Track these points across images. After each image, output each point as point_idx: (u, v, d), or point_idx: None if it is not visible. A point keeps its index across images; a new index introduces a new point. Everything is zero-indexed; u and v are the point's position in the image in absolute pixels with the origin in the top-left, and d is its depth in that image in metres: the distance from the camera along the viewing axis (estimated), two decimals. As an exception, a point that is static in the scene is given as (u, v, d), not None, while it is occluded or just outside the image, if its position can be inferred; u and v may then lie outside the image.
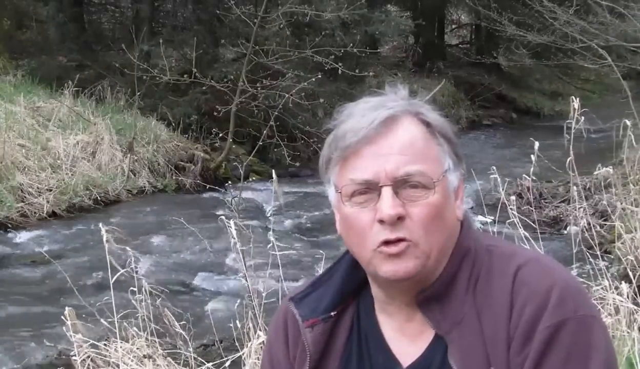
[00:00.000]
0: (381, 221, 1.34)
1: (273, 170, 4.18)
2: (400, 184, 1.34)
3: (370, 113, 1.37)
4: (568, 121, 4.13)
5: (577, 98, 4.16)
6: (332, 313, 1.46)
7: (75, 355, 4.05)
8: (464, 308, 1.37)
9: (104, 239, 3.68)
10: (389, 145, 1.35)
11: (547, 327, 1.30)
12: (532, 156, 3.87)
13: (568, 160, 4.09)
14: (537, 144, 3.91)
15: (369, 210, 1.36)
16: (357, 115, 1.38)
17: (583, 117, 4.06)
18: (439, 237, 1.37)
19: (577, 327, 1.31)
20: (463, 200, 1.45)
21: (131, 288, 4.16)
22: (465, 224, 1.44)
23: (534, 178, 4.25)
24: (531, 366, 1.30)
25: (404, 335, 1.43)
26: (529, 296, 1.33)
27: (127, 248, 4.13)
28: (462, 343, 1.35)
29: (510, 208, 3.76)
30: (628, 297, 3.85)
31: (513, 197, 3.83)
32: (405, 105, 1.40)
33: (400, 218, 1.34)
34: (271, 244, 4.02)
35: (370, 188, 1.35)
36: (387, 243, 1.34)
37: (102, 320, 4.32)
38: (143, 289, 4.13)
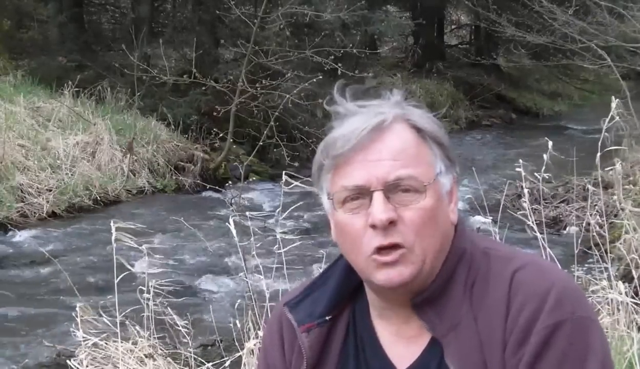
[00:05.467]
0: (373, 226, 1.34)
1: (284, 172, 4.18)
2: (392, 188, 1.35)
3: (361, 119, 1.38)
4: (603, 118, 4.11)
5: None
6: (328, 318, 1.46)
7: (75, 354, 4.06)
8: (460, 311, 1.37)
9: (113, 238, 3.68)
10: (379, 151, 1.36)
11: (543, 328, 1.30)
12: (544, 155, 3.84)
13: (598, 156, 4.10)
14: (550, 143, 3.89)
15: (362, 216, 1.36)
16: (348, 122, 1.39)
17: (618, 117, 4.03)
18: (433, 241, 1.37)
19: (573, 328, 1.31)
20: (457, 203, 1.45)
21: (140, 287, 4.16)
22: (460, 226, 1.44)
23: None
24: (526, 368, 1.30)
25: (400, 339, 1.43)
26: (526, 298, 1.33)
27: (144, 247, 4.14)
28: (458, 345, 1.35)
29: (525, 206, 3.75)
30: (627, 295, 3.85)
31: (526, 198, 3.79)
32: (396, 110, 1.40)
33: (392, 223, 1.34)
34: (273, 244, 4.03)
35: (362, 194, 1.36)
36: (380, 250, 1.35)
37: (104, 319, 4.32)
38: (151, 289, 4.13)
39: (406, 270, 1.35)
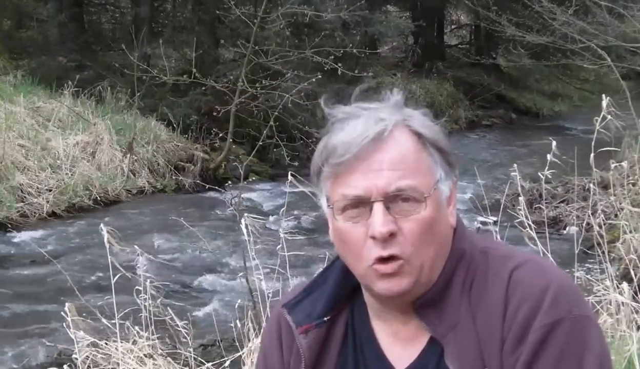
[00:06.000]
0: (373, 238, 1.34)
1: (289, 173, 4.18)
2: (392, 199, 1.34)
3: (362, 126, 1.36)
4: (595, 118, 4.11)
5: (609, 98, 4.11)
6: (326, 319, 1.46)
7: (75, 354, 4.06)
8: (459, 311, 1.37)
9: (105, 240, 3.68)
10: (380, 161, 1.35)
11: (540, 327, 1.30)
12: (548, 156, 3.84)
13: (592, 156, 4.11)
14: (554, 143, 3.89)
15: (361, 226, 1.36)
16: (348, 127, 1.37)
17: (610, 116, 4.03)
18: (430, 251, 1.37)
19: (571, 327, 1.30)
20: (455, 205, 1.45)
21: (136, 287, 4.17)
22: (459, 228, 1.45)
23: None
24: (523, 366, 1.30)
25: (399, 340, 1.43)
26: (523, 297, 1.33)
27: (136, 247, 4.14)
28: (458, 345, 1.35)
29: (519, 209, 3.76)
30: (628, 296, 3.85)
31: (521, 198, 3.80)
32: (397, 116, 1.39)
33: (392, 235, 1.34)
34: (273, 243, 4.03)
35: (362, 203, 1.36)
36: (380, 260, 1.35)
37: (103, 319, 4.33)
38: (147, 289, 4.13)
39: (404, 281, 1.36)
